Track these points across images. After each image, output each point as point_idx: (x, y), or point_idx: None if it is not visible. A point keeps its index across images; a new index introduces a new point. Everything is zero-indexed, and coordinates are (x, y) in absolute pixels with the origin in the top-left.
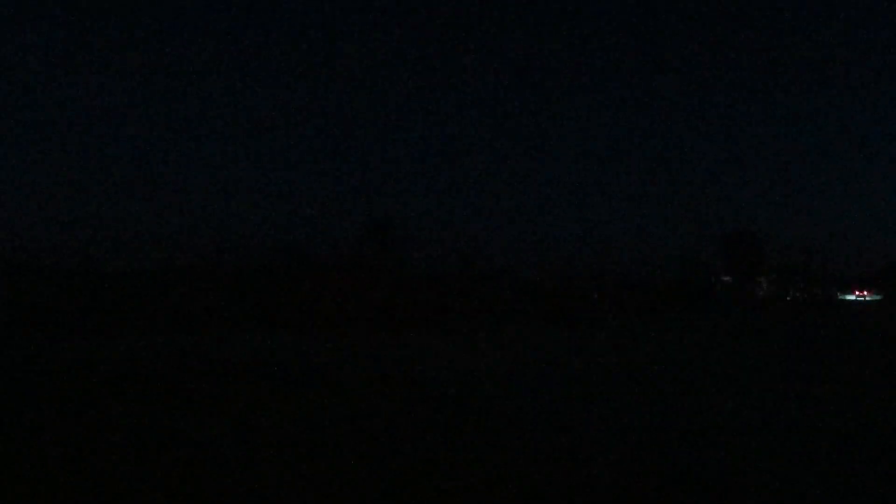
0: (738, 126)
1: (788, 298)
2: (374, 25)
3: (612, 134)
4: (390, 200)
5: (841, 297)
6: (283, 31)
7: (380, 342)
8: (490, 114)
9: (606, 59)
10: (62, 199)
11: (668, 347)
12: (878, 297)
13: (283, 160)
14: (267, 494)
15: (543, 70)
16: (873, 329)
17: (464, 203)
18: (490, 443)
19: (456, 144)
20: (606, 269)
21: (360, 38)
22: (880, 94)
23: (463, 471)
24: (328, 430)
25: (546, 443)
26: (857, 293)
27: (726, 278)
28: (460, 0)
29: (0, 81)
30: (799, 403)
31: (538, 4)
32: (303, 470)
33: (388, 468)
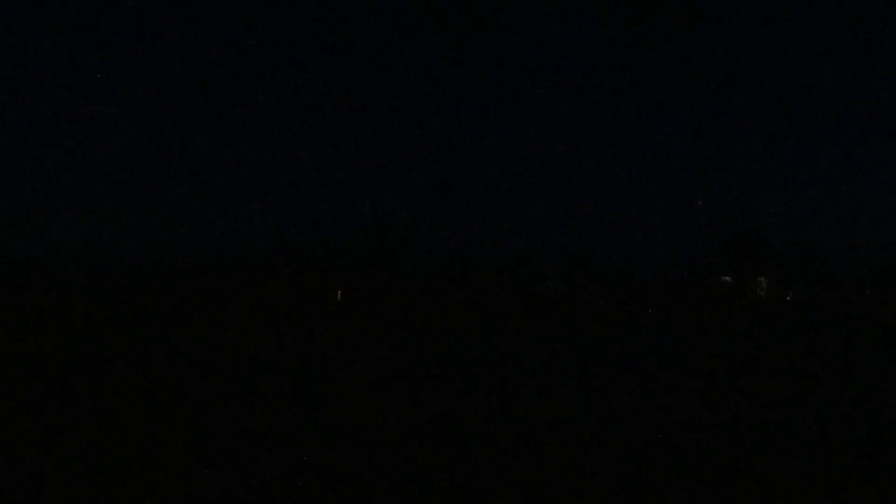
0: (738, 125)
1: (788, 299)
2: (374, 22)
3: (612, 132)
4: (390, 197)
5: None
6: (283, 28)
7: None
8: (489, 112)
9: (607, 56)
10: (59, 198)
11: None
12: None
13: (281, 157)
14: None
15: (543, 67)
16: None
17: (462, 202)
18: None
19: (455, 143)
20: (606, 268)
21: (361, 36)
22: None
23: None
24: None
25: None
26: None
27: (726, 278)
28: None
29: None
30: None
31: (537, 1)
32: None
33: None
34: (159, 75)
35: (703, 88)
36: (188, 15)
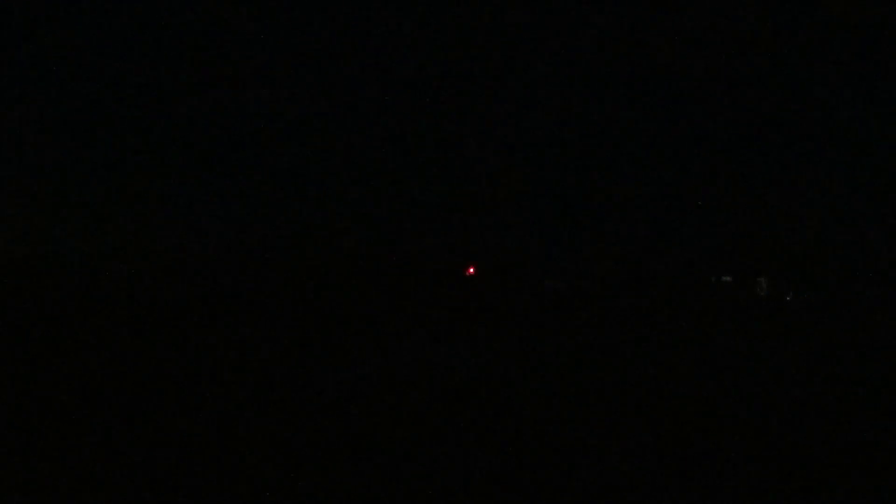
0: (738, 124)
1: (788, 298)
2: (371, 24)
3: (612, 131)
4: (389, 198)
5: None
6: (281, 28)
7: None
8: (487, 110)
9: (607, 54)
10: (56, 196)
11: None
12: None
13: (279, 155)
14: None
15: (542, 63)
16: None
17: (461, 200)
18: None
19: (452, 140)
20: (605, 268)
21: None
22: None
23: None
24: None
25: None
26: None
27: (726, 278)
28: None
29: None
30: None
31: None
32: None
33: None
34: (156, 73)
35: (703, 87)
36: (191, 14)
